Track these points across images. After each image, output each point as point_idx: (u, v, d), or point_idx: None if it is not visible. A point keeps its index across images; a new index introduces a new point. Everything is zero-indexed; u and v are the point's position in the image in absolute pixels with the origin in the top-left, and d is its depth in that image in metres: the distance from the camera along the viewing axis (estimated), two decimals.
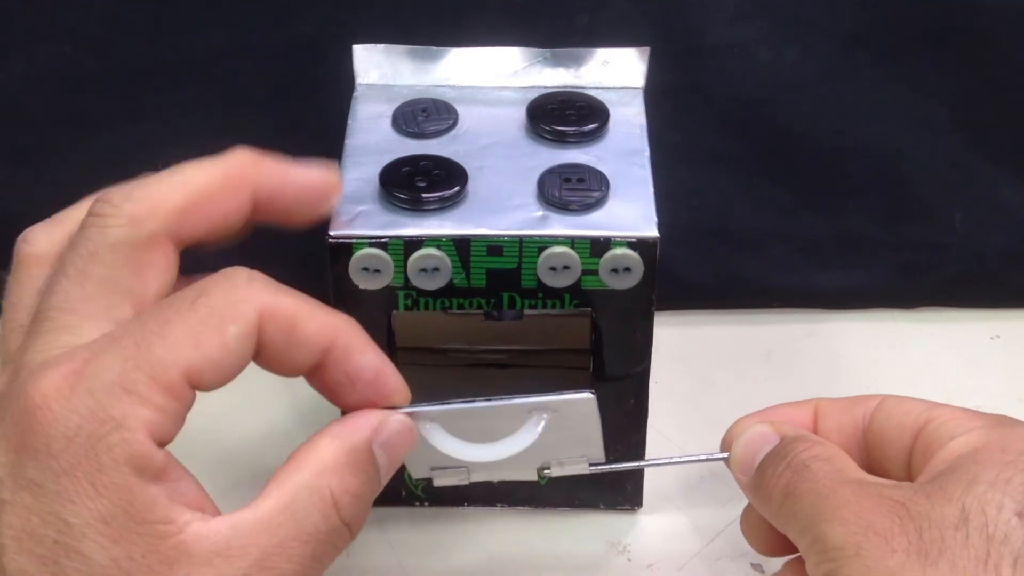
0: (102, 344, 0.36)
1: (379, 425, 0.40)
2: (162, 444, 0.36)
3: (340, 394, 0.40)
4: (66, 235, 0.40)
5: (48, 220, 0.42)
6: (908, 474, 0.43)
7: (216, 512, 0.37)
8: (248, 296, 0.37)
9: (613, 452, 0.49)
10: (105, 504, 0.35)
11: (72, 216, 0.41)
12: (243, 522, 0.37)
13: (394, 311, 0.45)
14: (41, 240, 0.41)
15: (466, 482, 0.46)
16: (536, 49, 0.50)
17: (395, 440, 0.40)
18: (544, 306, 0.45)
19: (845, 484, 0.40)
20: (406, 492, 0.52)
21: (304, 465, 0.38)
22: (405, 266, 0.44)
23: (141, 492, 0.35)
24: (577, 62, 0.50)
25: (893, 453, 0.44)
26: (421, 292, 0.45)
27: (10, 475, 0.35)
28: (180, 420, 0.37)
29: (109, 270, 0.38)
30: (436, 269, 0.44)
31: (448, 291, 0.45)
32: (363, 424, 0.39)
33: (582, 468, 0.47)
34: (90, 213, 0.39)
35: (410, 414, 0.41)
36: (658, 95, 0.51)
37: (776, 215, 0.61)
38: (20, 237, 0.41)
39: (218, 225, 0.40)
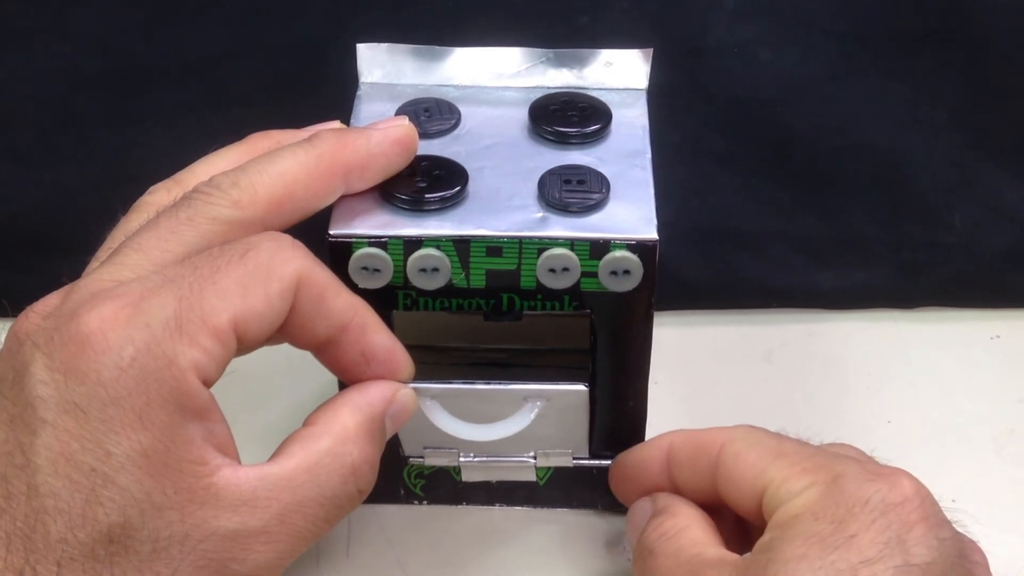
0: (156, 282, 0.37)
1: (391, 397, 0.42)
2: (206, 387, 0.37)
3: (352, 370, 0.42)
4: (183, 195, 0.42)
5: (172, 178, 0.43)
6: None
7: (238, 459, 0.38)
8: (292, 258, 0.39)
9: (613, 453, 0.49)
10: (148, 438, 0.36)
11: (190, 181, 0.42)
12: (269, 475, 0.38)
13: (395, 310, 0.46)
14: (162, 193, 0.43)
15: (455, 463, 0.48)
16: (539, 49, 0.50)
17: (402, 412, 0.43)
18: (543, 307, 0.45)
19: (677, 568, 0.42)
20: (404, 491, 0.52)
21: (328, 431, 0.40)
22: (405, 266, 0.44)
23: (182, 431, 0.36)
24: (580, 63, 0.50)
25: (744, 511, 0.44)
26: (420, 292, 0.45)
27: (54, 395, 0.36)
28: (222, 368, 0.38)
29: (199, 237, 0.39)
30: (436, 269, 0.44)
31: (447, 291, 0.45)
32: (380, 396, 0.42)
33: (566, 460, 0.48)
34: (195, 190, 0.40)
35: (414, 389, 0.43)
36: (658, 95, 0.51)
37: (776, 215, 0.61)
38: (148, 190, 0.43)
39: (310, 210, 0.42)
